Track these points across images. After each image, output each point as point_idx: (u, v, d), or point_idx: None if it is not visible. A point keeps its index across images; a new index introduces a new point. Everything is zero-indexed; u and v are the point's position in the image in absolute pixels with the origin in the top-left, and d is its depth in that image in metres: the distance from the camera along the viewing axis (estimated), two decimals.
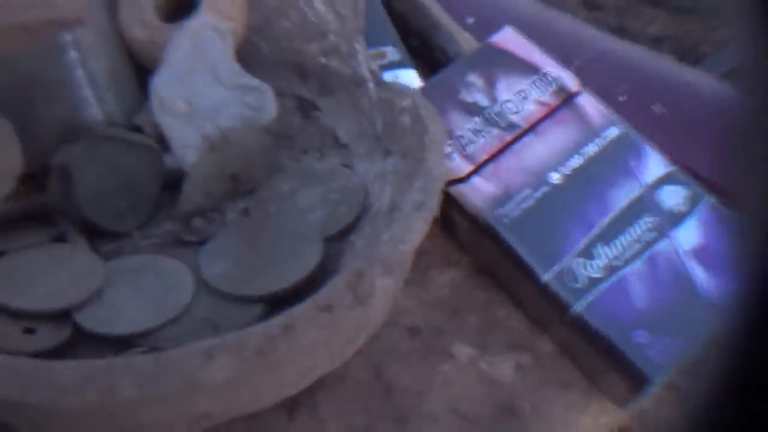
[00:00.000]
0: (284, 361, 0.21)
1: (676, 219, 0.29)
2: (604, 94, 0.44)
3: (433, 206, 0.24)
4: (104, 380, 0.18)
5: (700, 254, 0.28)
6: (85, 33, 0.27)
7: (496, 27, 0.35)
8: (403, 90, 0.29)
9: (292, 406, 0.24)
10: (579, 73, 0.48)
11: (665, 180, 0.30)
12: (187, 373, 0.19)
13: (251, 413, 0.22)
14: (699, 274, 0.28)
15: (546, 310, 0.29)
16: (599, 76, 0.48)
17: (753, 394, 0.10)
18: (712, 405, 0.11)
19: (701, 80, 0.50)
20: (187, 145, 0.27)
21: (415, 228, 0.23)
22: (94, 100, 0.27)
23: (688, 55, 0.68)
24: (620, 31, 0.74)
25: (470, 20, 0.53)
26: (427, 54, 0.39)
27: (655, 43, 0.72)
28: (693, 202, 0.30)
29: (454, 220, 0.31)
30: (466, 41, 0.41)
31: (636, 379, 0.26)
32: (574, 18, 0.62)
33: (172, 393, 0.19)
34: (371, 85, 0.30)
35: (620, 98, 0.47)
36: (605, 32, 0.64)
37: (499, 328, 0.29)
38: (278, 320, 0.20)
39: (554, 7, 0.72)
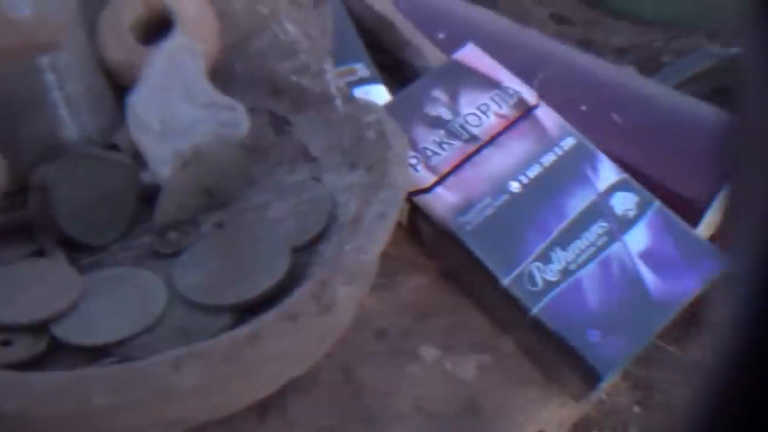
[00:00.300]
0: (252, 367, 0.21)
1: (626, 224, 0.30)
2: (567, 104, 0.45)
3: (394, 217, 0.25)
4: (78, 390, 0.18)
5: (648, 257, 0.29)
6: (63, 56, 0.27)
7: (465, 41, 0.36)
8: (368, 106, 0.30)
9: (262, 408, 0.25)
10: (544, 84, 0.49)
11: (617, 187, 0.31)
12: (158, 381, 0.19)
13: (223, 417, 0.23)
14: (647, 275, 0.29)
15: (507, 312, 0.29)
16: (563, 88, 0.49)
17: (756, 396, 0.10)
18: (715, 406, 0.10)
19: (656, 91, 0.51)
20: (162, 161, 0.27)
21: (377, 238, 0.24)
22: (71, 120, 0.27)
23: (650, 64, 0.69)
24: (586, 43, 0.76)
25: (441, 35, 0.54)
26: (397, 69, 0.40)
27: (619, 53, 0.73)
28: (642, 208, 0.30)
29: (420, 228, 0.32)
30: (436, 56, 0.42)
31: (589, 376, 0.27)
32: (541, 32, 0.63)
33: (143, 400, 0.19)
34: (339, 101, 0.30)
35: (582, 108, 0.47)
36: (571, 45, 0.65)
37: (463, 330, 0.30)
38: (244, 329, 0.21)
39: (523, 19, 0.73)
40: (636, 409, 0.44)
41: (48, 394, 0.18)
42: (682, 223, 0.30)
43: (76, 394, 0.18)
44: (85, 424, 0.19)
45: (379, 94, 0.37)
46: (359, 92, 0.36)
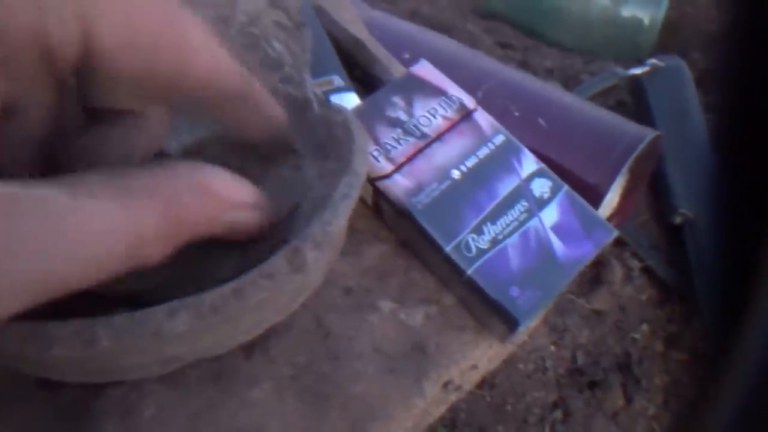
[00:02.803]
0: (237, 316, 0.20)
1: (542, 203, 0.29)
2: (504, 110, 0.44)
3: (355, 196, 0.24)
4: (88, 335, 0.17)
5: (557, 229, 0.29)
6: None
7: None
8: (338, 109, 0.28)
9: (248, 348, 0.24)
10: (486, 94, 0.48)
11: (536, 174, 0.30)
12: (155, 327, 0.18)
13: (215, 355, 0.22)
14: (557, 243, 0.28)
15: (448, 273, 0.29)
16: (501, 97, 0.48)
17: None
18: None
19: (573, 102, 0.50)
20: (168, 152, 0.26)
21: (340, 214, 0.23)
22: None
23: (571, 81, 0.69)
24: (524, 64, 0.74)
25: (406, 55, 0.52)
26: (366, 81, 0.39)
27: (549, 72, 0.72)
28: (554, 191, 0.30)
29: (382, 207, 0.31)
30: (400, 71, 0.41)
31: (511, 323, 0.27)
32: (487, 54, 0.61)
33: (143, 343, 0.18)
34: (316, 105, 0.29)
35: (515, 113, 0.46)
36: (511, 65, 0.64)
37: (414, 287, 0.29)
38: (229, 285, 0.20)
39: (474, 45, 0.71)
40: (552, 347, 0.44)
41: (62, 338, 0.17)
42: (583, 203, 0.30)
43: (85, 338, 0.17)
44: (93, 363, 0.18)
45: (351, 100, 0.35)
46: (335, 98, 0.35)
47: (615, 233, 0.29)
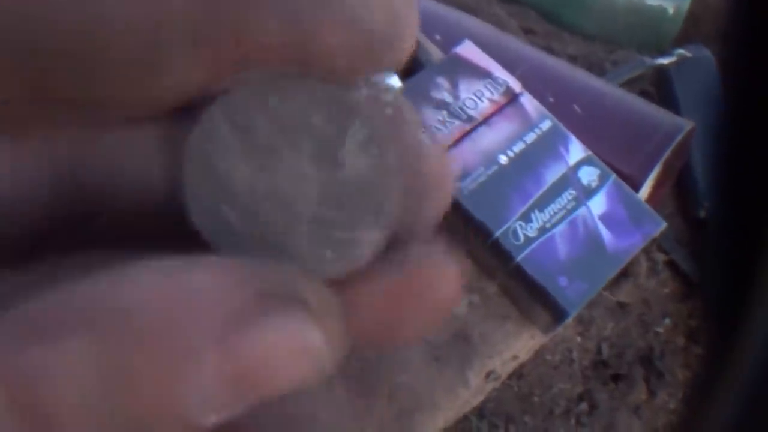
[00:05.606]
0: None
1: (590, 192, 0.29)
2: (538, 96, 0.43)
3: None
4: None
5: (606, 219, 0.28)
6: None
7: (457, 42, 0.33)
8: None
9: None
10: (521, 79, 0.47)
11: (584, 162, 0.29)
12: None
13: None
14: (605, 233, 0.28)
15: (493, 261, 0.28)
16: (535, 83, 0.47)
17: None
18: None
19: (607, 89, 0.49)
20: None
21: None
22: None
23: (595, 69, 0.67)
24: (548, 50, 0.73)
25: (438, 37, 0.51)
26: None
27: (572, 59, 0.71)
28: (602, 179, 0.29)
29: None
30: (435, 52, 0.40)
31: (558, 313, 0.26)
32: (515, 38, 0.60)
33: None
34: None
35: (550, 100, 0.45)
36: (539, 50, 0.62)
37: None
38: None
39: (499, 28, 0.70)
40: (578, 339, 0.43)
41: None
42: (632, 193, 0.29)
43: None
44: None
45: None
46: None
47: (663, 225, 0.29)
